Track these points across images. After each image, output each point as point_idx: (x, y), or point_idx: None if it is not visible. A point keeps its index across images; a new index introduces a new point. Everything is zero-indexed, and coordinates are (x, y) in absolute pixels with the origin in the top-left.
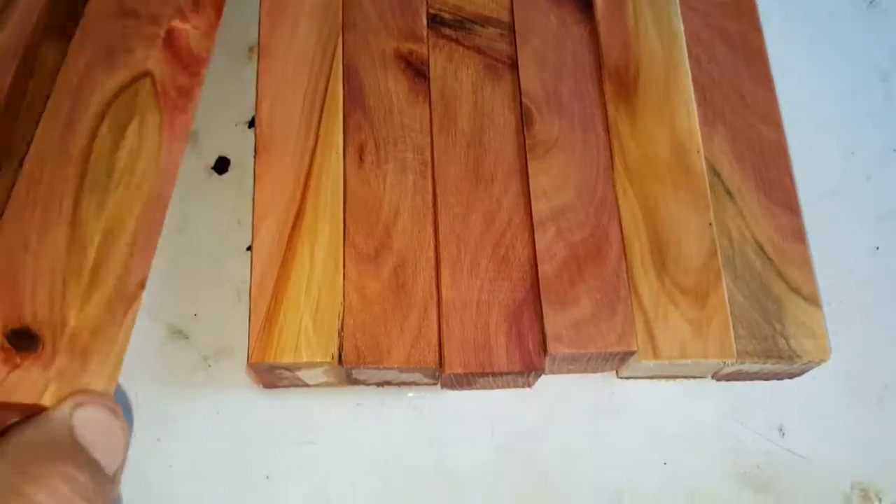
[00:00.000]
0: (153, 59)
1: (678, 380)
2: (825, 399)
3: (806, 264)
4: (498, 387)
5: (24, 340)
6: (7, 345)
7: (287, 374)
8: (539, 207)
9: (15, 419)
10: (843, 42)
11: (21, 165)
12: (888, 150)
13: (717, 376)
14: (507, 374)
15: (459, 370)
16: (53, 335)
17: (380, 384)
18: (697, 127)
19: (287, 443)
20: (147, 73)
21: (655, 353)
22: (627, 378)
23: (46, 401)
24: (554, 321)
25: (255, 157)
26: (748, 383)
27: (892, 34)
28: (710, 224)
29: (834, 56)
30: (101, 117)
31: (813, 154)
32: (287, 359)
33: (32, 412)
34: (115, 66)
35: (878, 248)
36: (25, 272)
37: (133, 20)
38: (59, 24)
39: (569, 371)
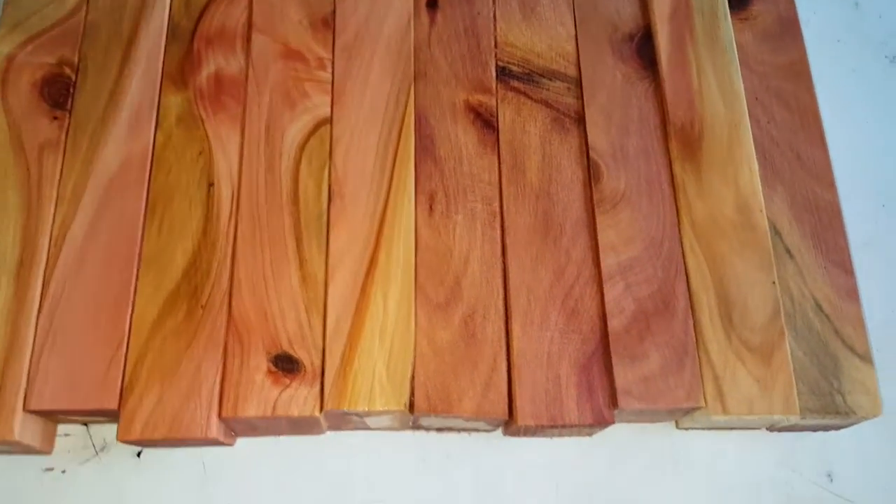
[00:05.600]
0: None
1: (734, 430)
2: (869, 444)
3: (860, 323)
4: (560, 435)
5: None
6: (274, 368)
7: (356, 418)
8: (608, 262)
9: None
10: (867, 96)
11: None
12: None
13: (772, 428)
14: (576, 426)
15: (531, 422)
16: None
17: (441, 430)
18: (759, 186)
19: (354, 500)
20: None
21: (725, 410)
22: (687, 429)
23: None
24: (624, 376)
25: (328, 200)
26: (798, 433)
27: None
28: (774, 283)
29: (859, 110)
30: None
31: (845, 207)
32: (362, 406)
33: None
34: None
35: None
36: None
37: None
38: (176, 73)
39: (631, 421)
